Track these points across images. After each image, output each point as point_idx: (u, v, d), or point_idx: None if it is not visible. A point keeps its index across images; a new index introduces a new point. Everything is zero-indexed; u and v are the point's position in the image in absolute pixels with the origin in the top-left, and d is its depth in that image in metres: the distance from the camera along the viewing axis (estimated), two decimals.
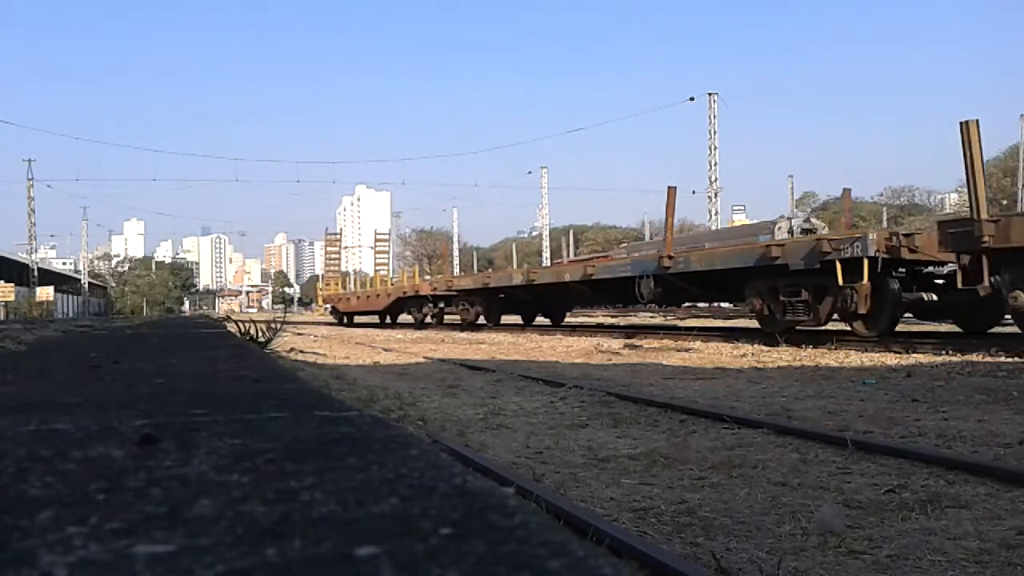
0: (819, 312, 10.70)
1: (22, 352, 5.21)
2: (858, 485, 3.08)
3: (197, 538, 0.78)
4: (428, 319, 24.05)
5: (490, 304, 20.47)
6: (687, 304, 26.43)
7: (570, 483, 3.24)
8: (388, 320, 29.76)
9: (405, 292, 25.23)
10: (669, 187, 13.53)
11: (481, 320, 21.02)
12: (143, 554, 0.73)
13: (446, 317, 23.88)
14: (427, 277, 30.06)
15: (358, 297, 31.10)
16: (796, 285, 10.95)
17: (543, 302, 20.27)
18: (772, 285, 11.40)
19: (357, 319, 32.83)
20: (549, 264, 46.22)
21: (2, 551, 0.74)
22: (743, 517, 2.69)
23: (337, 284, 43.05)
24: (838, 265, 9.99)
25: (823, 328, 11.18)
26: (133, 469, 1.13)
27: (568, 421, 4.85)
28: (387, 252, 49.62)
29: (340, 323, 33.50)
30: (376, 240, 49.66)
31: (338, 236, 51.20)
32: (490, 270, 25.64)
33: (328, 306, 39.22)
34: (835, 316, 10.69)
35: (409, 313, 25.38)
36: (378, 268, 43.67)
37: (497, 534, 0.77)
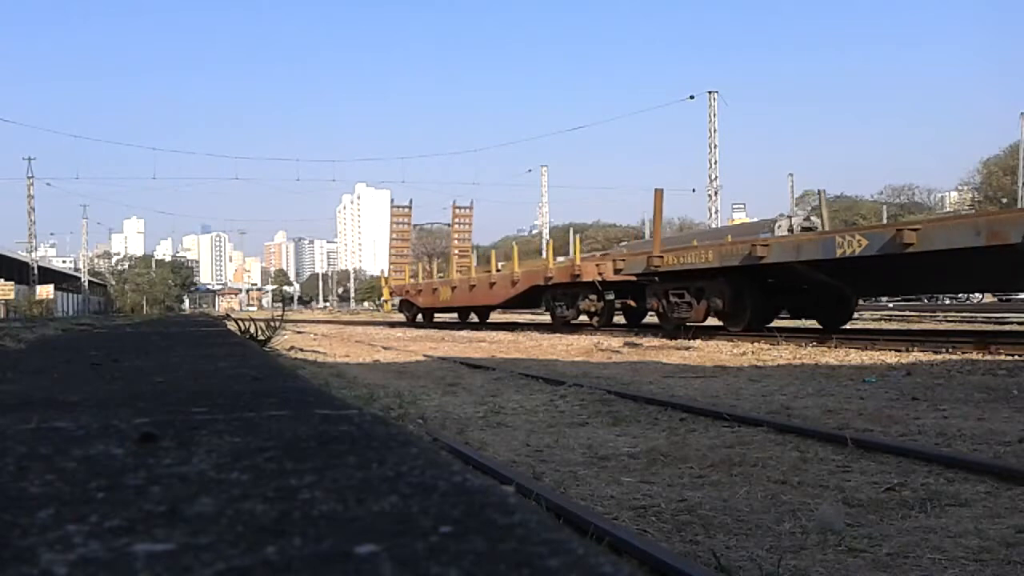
0: None
1: (22, 350, 5.21)
2: (858, 483, 3.08)
3: (197, 536, 0.78)
4: (584, 317, 16.68)
5: (740, 292, 12.15)
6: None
7: (570, 481, 3.24)
8: (472, 318, 23.56)
9: (549, 278, 17.27)
10: None
11: (709, 320, 12.80)
12: (143, 552, 0.73)
13: (614, 315, 16.62)
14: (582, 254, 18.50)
15: (453, 287, 22.13)
16: None
17: (874, 288, 12.61)
18: None
19: (438, 317, 25.49)
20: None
21: (2, 549, 0.74)
22: (743, 515, 2.69)
23: (417, 271, 29.80)
24: None
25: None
26: (133, 467, 1.13)
27: (568, 419, 4.85)
28: (469, 228, 35.04)
29: (412, 322, 25.54)
30: (454, 215, 34.72)
31: (408, 208, 35.03)
32: (763, 235, 15.17)
33: (396, 300, 29.15)
34: None
35: (551, 309, 17.81)
36: (459, 252, 31.54)
37: (497, 532, 0.77)
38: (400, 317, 28.11)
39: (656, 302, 13.70)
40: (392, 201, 34.57)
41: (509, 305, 20.39)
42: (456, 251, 32.42)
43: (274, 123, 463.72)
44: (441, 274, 26.14)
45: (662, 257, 13.17)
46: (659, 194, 13.91)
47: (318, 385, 3.29)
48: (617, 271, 14.69)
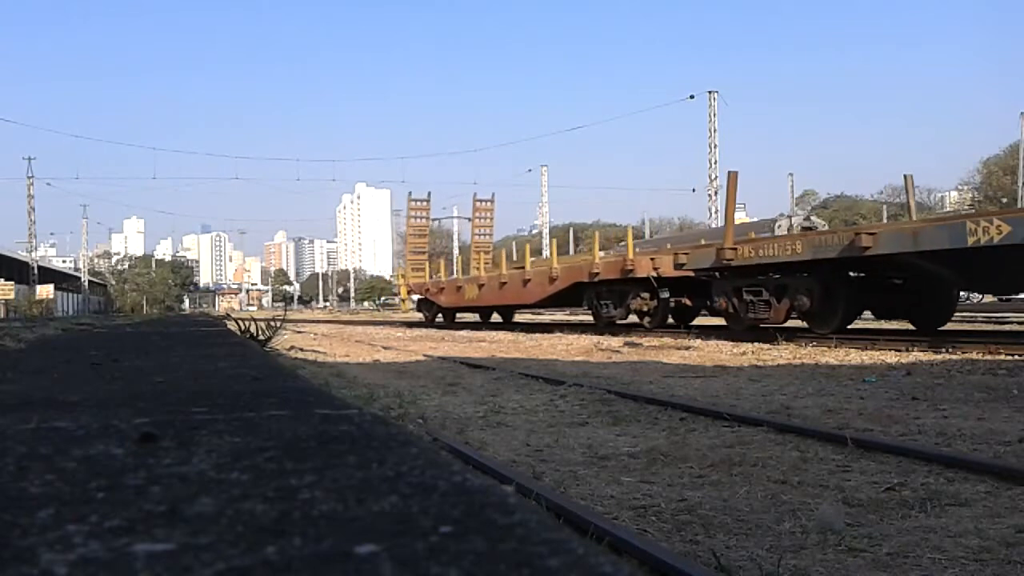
0: None
1: (22, 350, 5.21)
2: (858, 483, 3.08)
3: (197, 536, 0.78)
4: (634, 317, 15.01)
5: (830, 289, 10.52)
6: None
7: (570, 481, 3.24)
8: (492, 318, 22.35)
9: (595, 274, 15.28)
10: None
11: (789, 320, 11.17)
12: (143, 552, 0.73)
13: (665, 316, 14.76)
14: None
15: (480, 285, 20.27)
16: None
17: (1009, 285, 11.51)
18: None
19: (459, 317, 24.09)
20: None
21: (2, 549, 0.74)
22: (743, 515, 2.69)
23: (436, 268, 26.66)
24: None
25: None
26: (133, 467, 1.13)
27: (568, 419, 4.85)
28: (491, 222, 31.80)
29: (431, 323, 24.23)
30: (475, 208, 31.63)
31: (426, 201, 31.54)
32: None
33: (414, 299, 27.55)
34: None
35: (595, 308, 16.00)
36: (478, 247, 28.87)
37: (497, 532, 0.77)
38: (403, 317, 27.48)
39: (725, 301, 11.94)
40: (409, 194, 31.85)
41: (545, 304, 18.59)
42: (479, 248, 29.88)
43: (274, 123, 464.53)
44: (466, 272, 24.67)
45: (735, 249, 11.24)
46: (733, 177, 12.00)
47: (318, 385, 3.29)
48: (679, 266, 12.84)
